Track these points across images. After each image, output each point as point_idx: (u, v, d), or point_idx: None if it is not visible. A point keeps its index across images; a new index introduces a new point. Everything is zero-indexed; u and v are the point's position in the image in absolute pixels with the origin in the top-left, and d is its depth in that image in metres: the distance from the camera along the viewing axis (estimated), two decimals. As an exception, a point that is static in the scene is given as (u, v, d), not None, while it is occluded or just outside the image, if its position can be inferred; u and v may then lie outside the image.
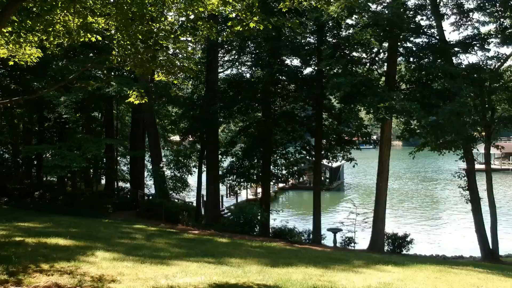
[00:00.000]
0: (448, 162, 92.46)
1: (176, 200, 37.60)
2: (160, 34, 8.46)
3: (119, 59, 8.97)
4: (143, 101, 10.08)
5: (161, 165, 22.07)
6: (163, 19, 8.56)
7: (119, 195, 28.80)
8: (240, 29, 7.94)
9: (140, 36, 8.44)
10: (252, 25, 7.78)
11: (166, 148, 41.42)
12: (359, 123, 19.29)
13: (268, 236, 23.30)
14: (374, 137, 29.24)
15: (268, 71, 20.06)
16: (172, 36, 8.52)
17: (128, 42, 8.38)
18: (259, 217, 19.59)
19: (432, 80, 17.97)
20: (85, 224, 16.63)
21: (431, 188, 57.53)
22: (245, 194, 42.53)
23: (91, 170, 25.03)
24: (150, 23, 8.52)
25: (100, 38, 8.92)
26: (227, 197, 42.74)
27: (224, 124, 29.07)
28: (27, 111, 25.08)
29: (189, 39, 9.80)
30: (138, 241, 13.40)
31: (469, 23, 21.02)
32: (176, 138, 39.95)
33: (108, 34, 9.39)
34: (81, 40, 8.78)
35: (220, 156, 27.91)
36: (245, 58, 23.64)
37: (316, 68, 21.46)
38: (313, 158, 24.85)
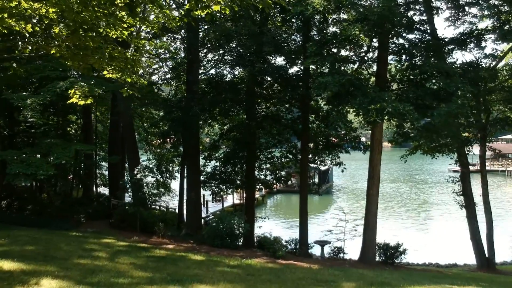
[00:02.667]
0: (438, 164, 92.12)
1: (158, 208, 36.16)
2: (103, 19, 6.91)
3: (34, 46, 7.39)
4: (88, 102, 8.52)
5: (135, 171, 20.37)
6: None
7: (95, 203, 27.03)
8: (201, 13, 6.44)
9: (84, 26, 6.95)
10: (216, 8, 6.29)
11: (149, 152, 39.80)
12: (347, 126, 17.69)
13: (252, 246, 21.81)
14: (364, 139, 27.89)
15: (250, 69, 18.52)
16: (118, 22, 6.96)
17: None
18: (241, 229, 18.02)
19: (426, 80, 16.54)
20: (45, 239, 14.97)
21: (423, 191, 56.49)
22: (231, 199, 41.16)
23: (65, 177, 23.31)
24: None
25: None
26: (212, 202, 41.32)
27: (207, 128, 27.47)
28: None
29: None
30: (99, 261, 11.80)
31: (465, 17, 19.70)
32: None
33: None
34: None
35: (204, 161, 26.38)
36: (227, 57, 21.99)
37: (301, 67, 20.00)
38: (299, 163, 23.40)
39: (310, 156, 24.04)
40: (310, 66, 18.28)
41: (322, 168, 52.76)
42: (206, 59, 22.50)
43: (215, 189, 23.72)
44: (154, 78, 33.80)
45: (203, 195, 34.05)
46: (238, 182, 24.32)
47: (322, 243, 20.47)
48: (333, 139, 23.52)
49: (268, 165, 25.77)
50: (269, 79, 21.20)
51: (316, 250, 23.76)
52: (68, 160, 20.30)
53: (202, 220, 26.49)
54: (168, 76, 31.29)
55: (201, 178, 24.53)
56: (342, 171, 23.62)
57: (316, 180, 53.82)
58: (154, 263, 12.34)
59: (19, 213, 22.75)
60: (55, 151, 20.26)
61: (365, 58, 19.74)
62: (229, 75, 20.70)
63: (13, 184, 20.39)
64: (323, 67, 16.26)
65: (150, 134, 32.35)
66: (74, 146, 20.62)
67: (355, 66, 19.00)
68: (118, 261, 12.17)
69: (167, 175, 35.46)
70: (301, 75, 20.26)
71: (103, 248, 14.26)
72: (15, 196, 24.53)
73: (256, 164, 24.59)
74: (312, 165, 28.14)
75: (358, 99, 14.77)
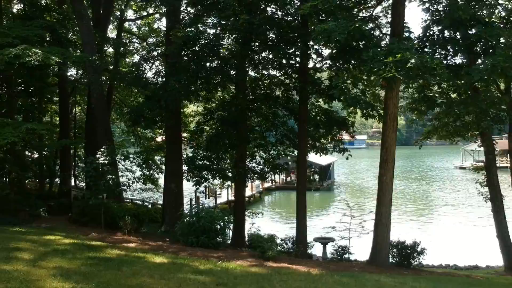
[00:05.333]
0: (442, 160, 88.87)
1: (142, 202, 32.72)
2: None
3: None
4: None
5: (98, 154, 16.85)
6: None
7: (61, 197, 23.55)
8: None
9: None
10: None
11: (136, 145, 36.55)
12: (354, 95, 13.81)
13: (242, 246, 18.35)
14: (370, 130, 24.53)
15: (233, 22, 14.86)
16: None
17: None
18: (222, 224, 14.47)
19: (458, 30, 12.92)
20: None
21: (431, 188, 52.82)
22: (226, 195, 37.92)
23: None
24: None
25: None
26: (206, 198, 38.07)
27: (192, 105, 23.87)
28: None
29: None
30: (12, 265, 8.33)
31: None
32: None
33: None
34: None
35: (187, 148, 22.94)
36: (212, 18, 18.23)
37: (298, 17, 16.34)
38: (297, 148, 19.88)
39: (310, 141, 20.55)
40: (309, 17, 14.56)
41: (324, 163, 49.55)
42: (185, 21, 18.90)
43: (198, 179, 20.06)
44: (137, 59, 30.54)
45: (195, 191, 30.77)
46: (226, 170, 20.77)
47: (324, 241, 16.91)
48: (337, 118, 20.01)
49: (261, 153, 22.30)
50: (261, 44, 17.39)
51: (317, 250, 20.27)
52: (17, 141, 16.79)
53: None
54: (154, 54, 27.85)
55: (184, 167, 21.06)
56: (347, 158, 20.08)
57: (317, 176, 50.52)
58: (90, 267, 8.85)
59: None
60: (3, 130, 16.82)
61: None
62: (211, 34, 16.97)
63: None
64: (325, 15, 12.68)
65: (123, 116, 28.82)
66: (24, 125, 17.10)
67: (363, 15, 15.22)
68: (40, 264, 8.69)
69: (153, 167, 32.36)
70: (298, 26, 16.52)
71: (36, 247, 10.78)
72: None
73: (247, 152, 21.13)
74: (311, 156, 24.71)
75: (372, 50, 11.23)
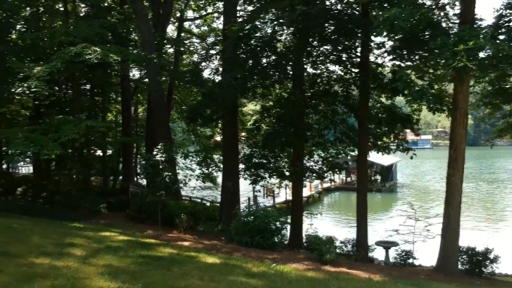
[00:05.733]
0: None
1: (200, 200, 32.84)
2: None
3: None
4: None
5: (154, 151, 16.85)
6: None
7: (124, 192, 23.95)
8: None
9: None
10: None
11: (196, 143, 36.98)
12: (420, 88, 12.66)
13: (299, 247, 17.73)
14: (435, 130, 23.02)
15: (290, 15, 14.19)
16: None
17: None
18: (278, 224, 13.93)
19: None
20: (21, 229, 11.67)
21: (507, 190, 49.42)
22: (284, 195, 37.30)
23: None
24: None
25: None
26: (264, 197, 37.74)
27: (249, 103, 23.52)
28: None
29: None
30: (63, 261, 8.24)
31: None
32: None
33: None
34: None
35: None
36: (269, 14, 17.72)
37: (358, 8, 15.42)
38: (358, 146, 18.96)
39: (371, 140, 19.58)
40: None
41: (385, 163, 47.70)
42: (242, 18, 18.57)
43: (254, 178, 19.64)
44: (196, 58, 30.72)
45: (253, 190, 30.50)
46: (283, 169, 20.22)
47: (387, 245, 15.89)
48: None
49: (319, 151, 21.56)
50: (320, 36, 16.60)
51: (378, 254, 19.25)
52: (77, 137, 17.15)
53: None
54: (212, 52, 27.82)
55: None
56: (411, 157, 18.95)
57: (378, 176, 48.68)
58: (140, 266, 8.61)
59: (32, 202, 19.96)
60: (64, 127, 17.23)
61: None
62: (267, 26, 16.46)
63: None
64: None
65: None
66: (84, 122, 17.42)
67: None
68: (91, 261, 8.56)
69: (212, 165, 32.45)
70: (357, 17, 15.61)
71: (90, 243, 10.75)
72: (31, 183, 21.86)
73: (305, 151, 20.49)
74: (373, 155, 23.61)
75: (440, 38, 10.24)
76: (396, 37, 11.52)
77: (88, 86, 26.24)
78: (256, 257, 11.24)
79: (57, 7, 26.41)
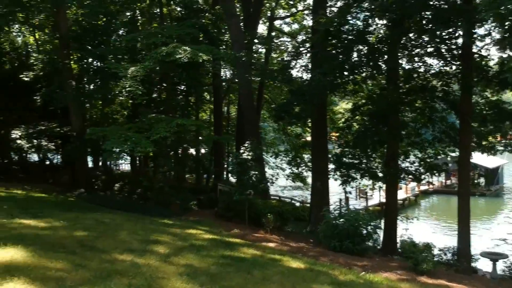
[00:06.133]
0: None
1: (290, 200, 32.48)
2: None
3: None
4: None
5: (241, 149, 16.72)
6: None
7: (214, 190, 24.28)
8: None
9: None
10: None
11: (286, 143, 36.89)
12: None
13: (393, 253, 16.62)
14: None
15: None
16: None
17: None
18: (369, 228, 13.06)
19: None
20: (112, 224, 12.01)
21: None
22: (377, 197, 35.72)
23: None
24: None
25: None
26: (356, 199, 36.43)
27: (340, 101, 22.68)
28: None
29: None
30: (144, 259, 8.20)
31: None
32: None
33: None
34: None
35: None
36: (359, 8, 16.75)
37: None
38: (458, 145, 17.35)
39: (475, 140, 17.85)
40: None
41: (490, 165, 43.92)
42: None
43: (345, 178, 18.79)
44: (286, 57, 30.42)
45: (344, 191, 29.56)
46: (376, 170, 19.12)
47: (495, 257, 14.25)
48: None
49: (416, 151, 20.13)
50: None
51: (482, 265, 17.49)
52: (168, 136, 17.55)
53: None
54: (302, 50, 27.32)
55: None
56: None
57: (482, 179, 44.98)
58: (220, 267, 8.33)
59: (127, 198, 20.86)
60: (157, 126, 17.75)
61: None
62: (357, 18, 15.55)
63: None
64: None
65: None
66: (175, 121, 17.78)
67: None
68: (172, 260, 8.43)
69: (302, 165, 31.97)
70: (458, 3, 14.11)
71: (175, 241, 10.71)
72: (128, 179, 22.88)
73: (399, 150, 19.22)
74: (476, 160, 21.60)
75: None
76: (505, 24, 10.12)
77: (183, 87, 27.02)
78: (344, 264, 10.54)
79: (153, 11, 27.54)
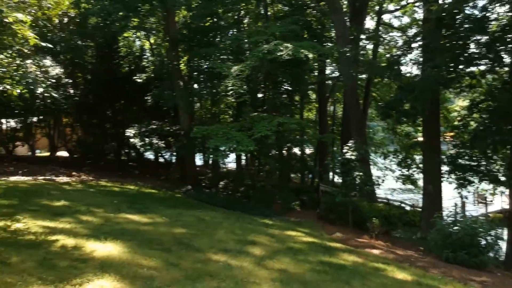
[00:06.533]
0: None
1: (399, 204, 30.73)
2: None
3: None
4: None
5: (344, 149, 15.93)
6: None
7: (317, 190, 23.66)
8: None
9: None
10: None
11: (395, 143, 35.19)
12: None
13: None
14: None
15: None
16: None
17: None
18: (489, 239, 11.61)
19: None
20: (212, 222, 11.99)
21: None
22: (499, 203, 32.44)
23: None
24: None
25: None
26: (474, 204, 33.48)
27: (456, 98, 20.84)
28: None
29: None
30: (238, 260, 7.93)
31: None
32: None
33: None
34: None
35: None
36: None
37: None
38: None
39: None
40: None
41: None
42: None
43: (461, 182, 17.11)
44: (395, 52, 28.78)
45: (460, 196, 27.28)
46: (497, 173, 17.16)
47: None
48: None
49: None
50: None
51: None
52: (269, 134, 17.34)
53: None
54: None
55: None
56: None
57: None
58: (316, 275, 7.78)
59: (232, 195, 21.07)
60: (258, 124, 17.65)
61: None
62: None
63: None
64: None
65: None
66: (277, 119, 17.52)
67: None
68: (266, 264, 8.08)
69: (413, 166, 30.12)
70: None
71: (272, 243, 10.36)
72: (232, 177, 23.18)
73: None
74: None
75: None
76: None
77: (286, 86, 26.79)
78: (458, 278, 9.39)
79: (258, 11, 27.66)
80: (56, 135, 28.82)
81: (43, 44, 9.59)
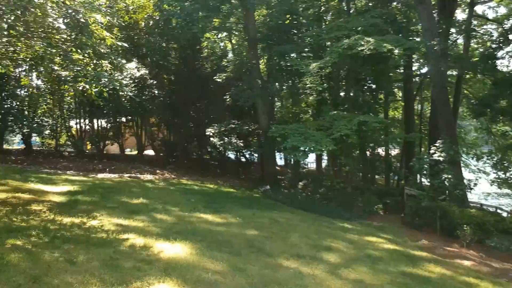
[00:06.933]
0: None
1: (495, 209, 28.33)
2: None
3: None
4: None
5: (432, 149, 14.70)
6: None
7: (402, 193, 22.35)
8: None
9: None
10: None
11: (490, 142, 32.61)
12: None
13: None
14: None
15: None
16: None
17: None
18: None
19: None
20: (286, 224, 11.52)
21: None
22: None
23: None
24: None
25: None
26: None
27: None
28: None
29: None
30: (313, 268, 7.42)
31: None
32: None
33: None
34: None
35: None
36: None
37: None
38: None
39: None
40: None
41: None
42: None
43: None
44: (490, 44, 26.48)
45: None
46: None
47: None
48: None
49: None
50: None
51: None
52: (349, 133, 16.54)
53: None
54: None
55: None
56: None
57: None
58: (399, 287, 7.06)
59: (310, 196, 20.43)
60: (338, 123, 16.93)
61: None
62: None
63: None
64: None
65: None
66: (358, 117, 16.66)
67: None
68: (340, 273, 7.50)
69: (510, 169, 27.63)
70: None
71: (349, 249, 9.69)
72: (311, 178, 22.56)
73: None
74: None
75: None
76: None
77: (369, 83, 25.68)
78: None
79: (340, 7, 26.77)
80: (143, 135, 29.92)
81: (119, 43, 9.77)
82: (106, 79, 8.34)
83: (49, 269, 5.63)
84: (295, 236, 10.13)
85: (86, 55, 9.07)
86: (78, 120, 27.48)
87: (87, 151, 29.56)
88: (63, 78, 10.21)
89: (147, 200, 12.66)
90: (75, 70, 8.70)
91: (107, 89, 9.94)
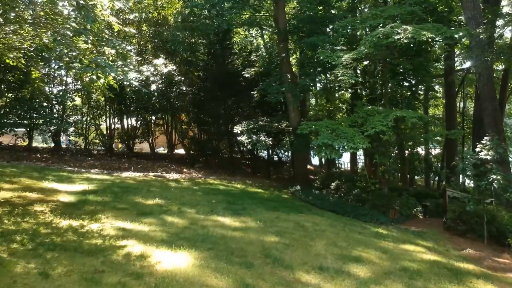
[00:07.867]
0: None
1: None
2: None
3: None
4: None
5: (477, 147, 13.20)
6: None
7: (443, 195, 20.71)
8: None
9: None
10: None
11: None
12: None
13: None
14: None
15: None
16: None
17: None
18: None
19: None
20: (311, 229, 10.37)
21: None
22: None
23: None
24: None
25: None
26: None
27: None
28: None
29: None
30: (337, 285, 6.31)
31: None
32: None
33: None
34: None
35: None
36: None
37: None
38: None
39: None
40: None
41: None
42: None
43: None
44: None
45: None
46: None
47: None
48: None
49: None
50: None
51: None
52: (385, 130, 15.19)
53: None
54: None
55: None
56: None
57: None
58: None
59: (343, 197, 19.14)
60: (372, 119, 15.61)
61: None
62: None
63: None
64: None
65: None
66: (394, 112, 15.26)
67: None
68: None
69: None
70: None
71: (382, 260, 8.47)
72: (345, 178, 21.25)
73: None
74: None
75: None
76: None
77: (408, 77, 24.09)
78: None
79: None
80: (173, 133, 29.34)
81: (126, 29, 8.93)
82: (106, 66, 7.43)
83: (12, 285, 4.74)
84: (320, 244, 8.98)
85: (89, 41, 8.22)
86: (107, 119, 27.14)
87: (116, 149, 29.20)
88: (73, 70, 9.46)
89: (163, 201, 11.80)
90: (73, 56, 7.89)
91: (115, 80, 9.10)
